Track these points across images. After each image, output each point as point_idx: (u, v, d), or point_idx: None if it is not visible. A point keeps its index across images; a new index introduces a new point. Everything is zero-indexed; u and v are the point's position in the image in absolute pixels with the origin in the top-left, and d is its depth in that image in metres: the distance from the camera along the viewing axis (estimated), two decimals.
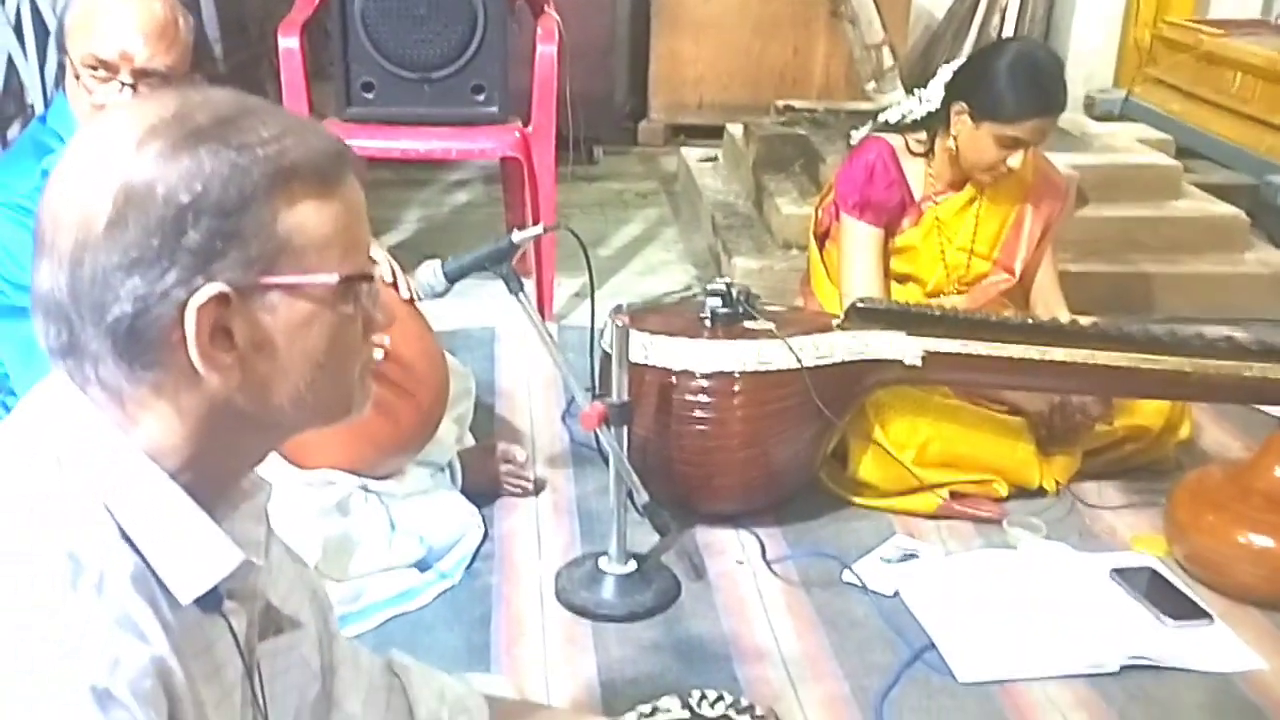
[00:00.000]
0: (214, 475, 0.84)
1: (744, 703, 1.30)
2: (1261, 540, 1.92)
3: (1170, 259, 3.33)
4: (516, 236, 1.84)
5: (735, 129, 4.09)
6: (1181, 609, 1.90)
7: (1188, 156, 3.87)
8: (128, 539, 0.79)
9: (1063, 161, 3.36)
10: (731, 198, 3.86)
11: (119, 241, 0.77)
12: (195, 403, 0.81)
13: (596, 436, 1.99)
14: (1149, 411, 2.31)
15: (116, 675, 0.72)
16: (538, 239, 2.99)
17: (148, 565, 0.79)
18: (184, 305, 0.77)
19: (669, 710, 1.27)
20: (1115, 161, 3.50)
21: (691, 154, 4.35)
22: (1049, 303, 2.47)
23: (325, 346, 0.83)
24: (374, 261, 0.87)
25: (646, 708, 1.28)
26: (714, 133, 4.42)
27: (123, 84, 1.67)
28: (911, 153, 2.40)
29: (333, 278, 0.81)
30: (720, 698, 1.30)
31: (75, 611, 0.74)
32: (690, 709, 1.28)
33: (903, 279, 2.43)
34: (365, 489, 1.92)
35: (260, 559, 0.89)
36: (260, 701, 0.92)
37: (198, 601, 0.82)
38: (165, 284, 0.77)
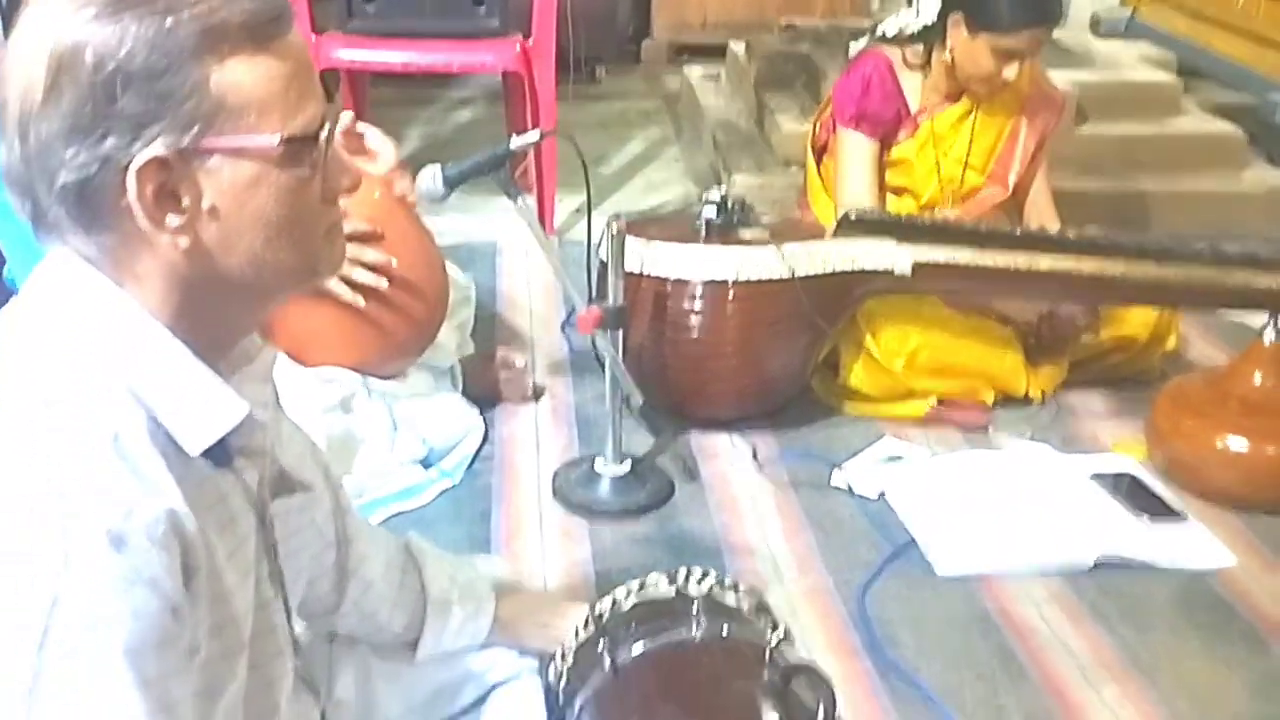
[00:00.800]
0: (208, 335, 0.88)
1: (728, 581, 1.36)
2: (1238, 444, 1.98)
3: (1169, 177, 3.34)
4: (515, 142, 1.88)
5: (738, 47, 4.08)
6: (1157, 509, 1.96)
7: (1191, 75, 3.86)
8: (137, 397, 0.83)
9: (1064, 79, 3.37)
10: (733, 116, 3.87)
11: (57, 109, 0.79)
12: (157, 265, 0.84)
13: (594, 341, 2.04)
14: (1135, 323, 2.36)
15: (130, 521, 0.78)
16: (539, 155, 3.04)
17: (157, 421, 0.84)
18: (125, 170, 0.80)
19: (656, 585, 1.33)
20: (1116, 79, 3.50)
21: (694, 72, 4.34)
22: (1043, 217, 2.49)
23: (276, 209, 0.84)
24: (329, 122, 0.87)
25: (635, 583, 1.34)
26: (717, 52, 4.41)
27: None
28: (908, 65, 2.41)
29: (274, 139, 0.82)
30: (706, 574, 1.35)
31: (91, 465, 0.79)
32: (676, 585, 1.34)
33: (898, 191, 2.46)
34: (368, 388, 1.97)
35: (265, 416, 0.94)
36: (274, 554, 0.98)
37: (209, 455, 0.87)
38: (104, 150, 0.79)
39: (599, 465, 2.02)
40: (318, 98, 0.87)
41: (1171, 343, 2.44)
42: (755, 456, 2.12)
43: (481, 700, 1.30)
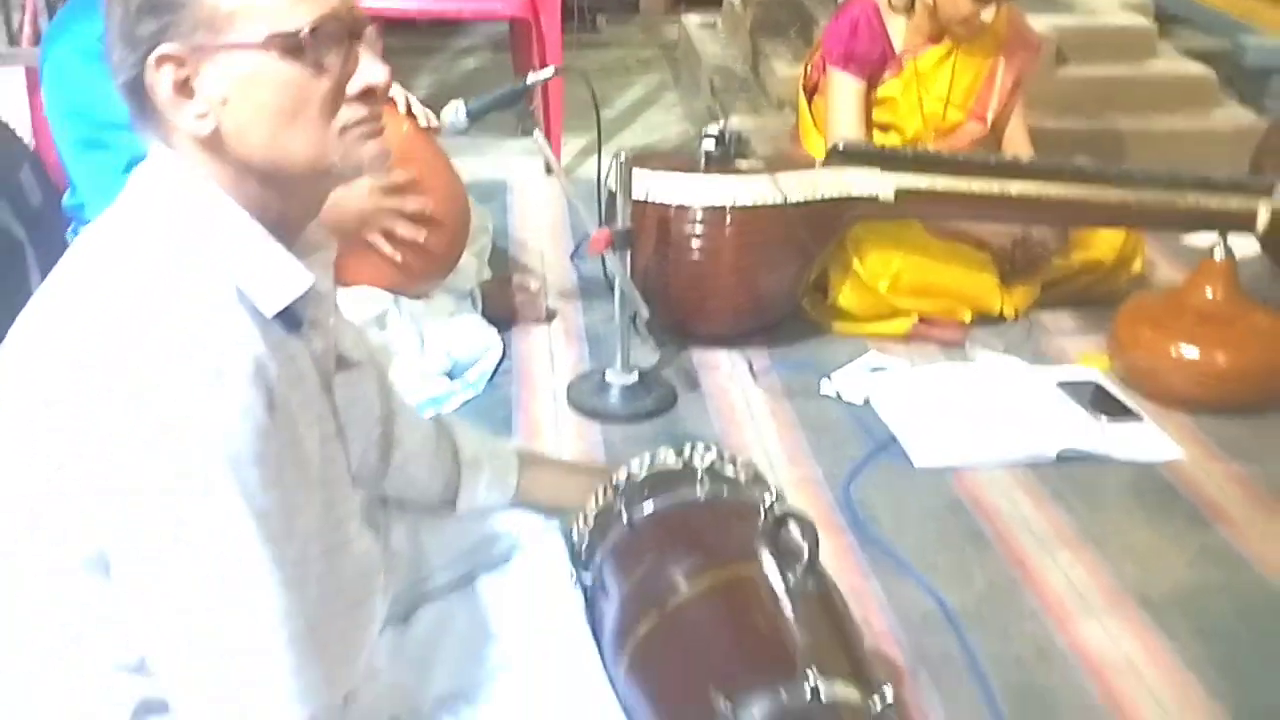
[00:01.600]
0: (272, 217, 1.03)
1: (728, 455, 1.55)
2: (1190, 351, 2.18)
3: (1143, 116, 3.52)
4: (530, 78, 2.06)
5: None
6: (1115, 410, 2.16)
7: (1169, 20, 4.02)
8: (224, 266, 1.00)
9: (1044, 23, 3.55)
10: (729, 62, 4.04)
11: (112, 21, 0.99)
12: (200, 154, 1.00)
13: (604, 262, 2.23)
14: (1102, 247, 2.55)
15: (226, 361, 0.95)
16: (546, 97, 3.21)
17: (241, 287, 1.01)
18: (149, 67, 0.97)
19: (665, 458, 1.53)
20: (1094, 23, 3.67)
21: (692, 20, 4.50)
22: (1019, 151, 2.68)
23: (276, 100, 0.98)
24: (338, 27, 0.99)
25: (646, 456, 1.53)
26: (714, 1, 4.57)
27: None
28: (893, 9, 2.58)
29: (259, 37, 0.96)
30: (709, 449, 1.55)
31: (193, 319, 0.96)
32: (683, 458, 1.53)
33: (884, 128, 2.64)
34: (399, 308, 2.17)
35: (328, 294, 1.12)
36: (336, 414, 1.17)
37: (282, 321, 1.03)
38: (138, 54, 0.97)
39: (609, 376, 2.22)
40: (319, 4, 0.99)
41: (1138, 266, 2.64)
42: (751, 369, 2.32)
43: (512, 553, 1.49)
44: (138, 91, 1.00)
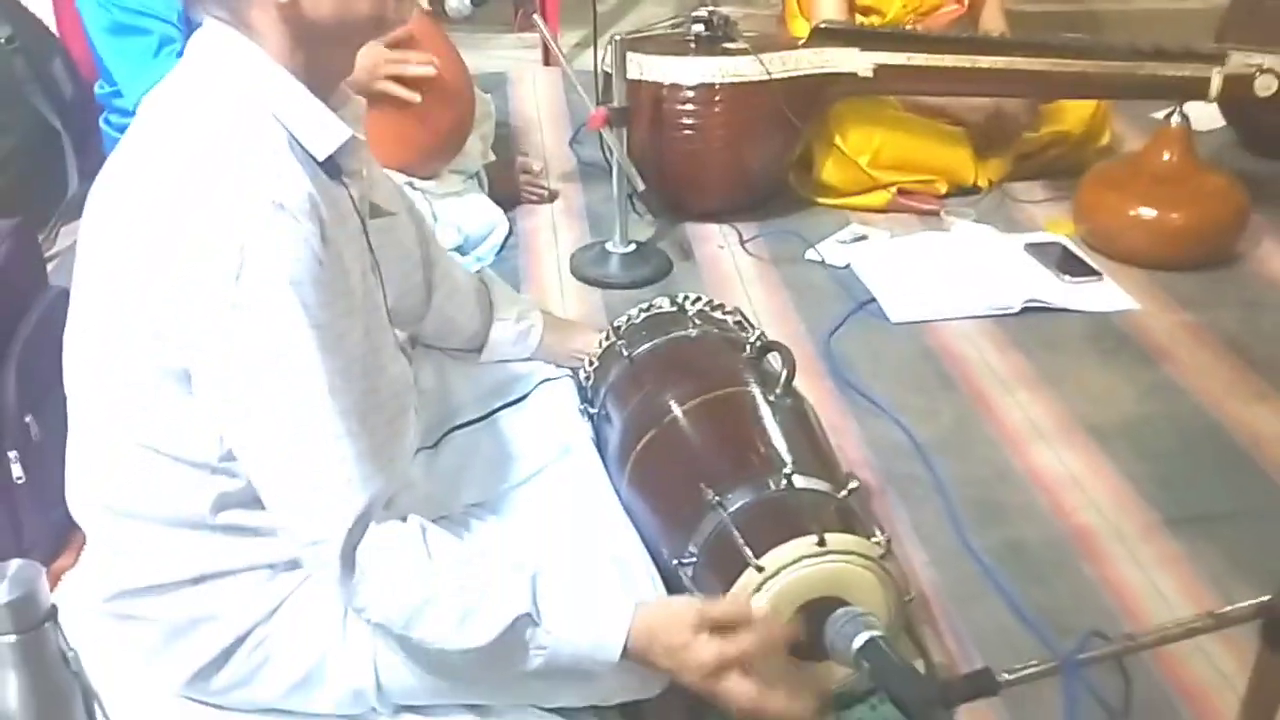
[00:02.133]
0: (316, 77, 1.19)
1: (717, 302, 1.73)
2: (1148, 211, 2.35)
3: None
4: None
5: None
6: (1077, 269, 2.34)
7: None
8: (278, 118, 1.16)
9: None
10: None
11: None
12: (270, 21, 1.15)
13: (601, 141, 2.39)
14: (1070, 119, 2.71)
15: (286, 194, 1.12)
16: None
17: (293, 137, 1.17)
18: None
19: (661, 305, 1.71)
20: None
21: None
22: (995, 29, 2.81)
23: None
24: None
25: (644, 304, 1.71)
26: None
27: None
28: None
29: None
30: (700, 297, 1.73)
31: (256, 159, 1.13)
32: (677, 304, 1.71)
33: (865, 11, 2.77)
34: (412, 186, 2.33)
35: (362, 140, 1.28)
36: (372, 251, 1.34)
37: (325, 168, 1.20)
38: None
39: (609, 246, 2.40)
40: None
41: (1105, 139, 2.79)
42: (741, 239, 2.49)
43: (531, 391, 1.68)
44: None
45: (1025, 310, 2.22)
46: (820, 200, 2.64)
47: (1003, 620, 1.52)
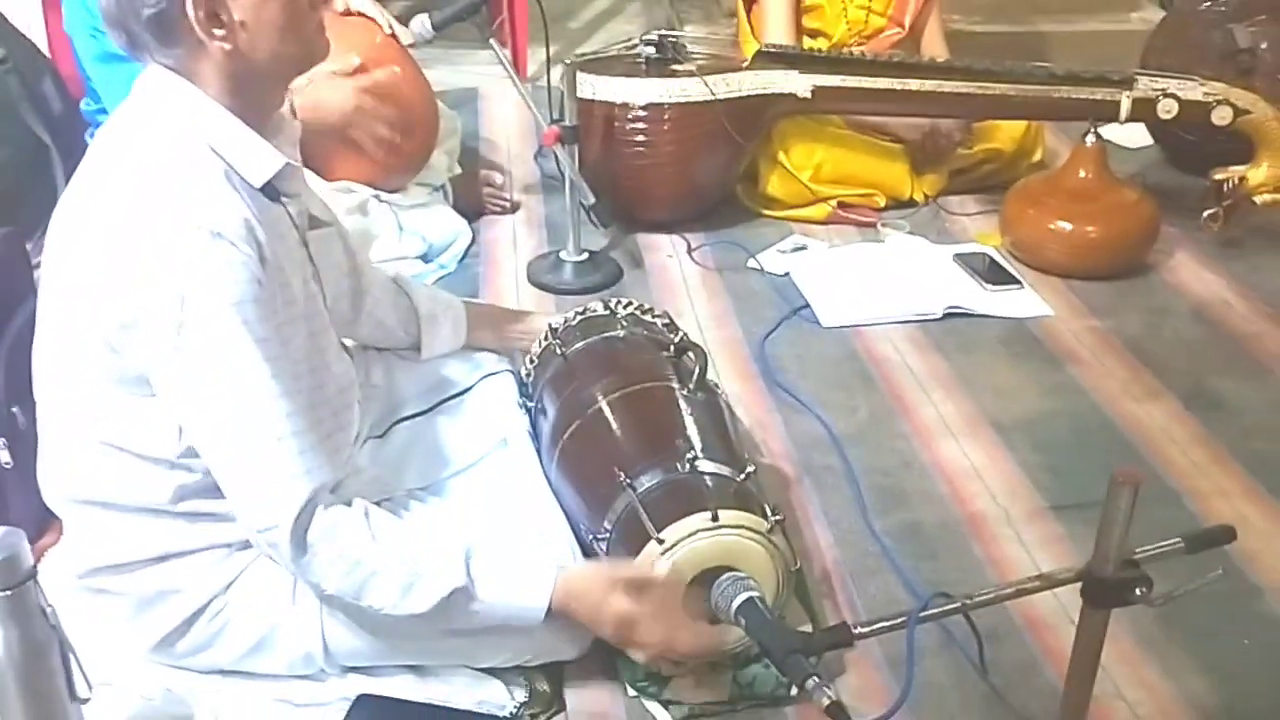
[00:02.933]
0: (254, 110, 1.35)
1: (648, 306, 1.90)
2: (1065, 225, 2.52)
3: (1066, 19, 3.81)
4: None
5: None
6: (999, 278, 2.51)
7: None
8: (215, 151, 1.31)
9: None
10: None
11: None
12: (212, 65, 1.30)
13: (556, 157, 2.55)
14: (1002, 138, 2.88)
15: (224, 223, 1.27)
16: (513, 10, 3.50)
17: (231, 167, 1.32)
18: (183, 2, 1.25)
19: (595, 309, 1.87)
20: None
21: None
22: (936, 53, 2.97)
23: (281, 16, 1.29)
24: None
25: (579, 308, 1.87)
26: None
27: None
28: None
29: None
30: (631, 302, 1.89)
31: (195, 191, 1.28)
32: (610, 307, 1.87)
33: (813, 34, 2.94)
34: (379, 199, 2.49)
35: (298, 167, 1.43)
36: (312, 262, 1.50)
37: (265, 191, 1.35)
38: None
39: (563, 255, 2.56)
40: None
41: (1038, 155, 2.96)
42: (689, 249, 2.66)
43: (473, 386, 1.84)
44: (165, 23, 1.27)
45: (947, 316, 2.39)
46: (765, 212, 2.81)
47: (895, 593, 1.68)
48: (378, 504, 1.44)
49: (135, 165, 1.32)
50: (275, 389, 1.31)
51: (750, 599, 1.31)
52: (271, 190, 1.38)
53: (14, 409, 1.67)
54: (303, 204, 1.49)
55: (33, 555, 1.38)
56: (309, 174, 2.27)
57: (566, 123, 2.46)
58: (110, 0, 1.28)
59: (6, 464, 1.67)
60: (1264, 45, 2.77)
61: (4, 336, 1.67)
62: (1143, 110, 2.47)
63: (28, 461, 1.66)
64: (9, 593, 1.20)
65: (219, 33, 1.29)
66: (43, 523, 1.71)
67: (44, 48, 2.77)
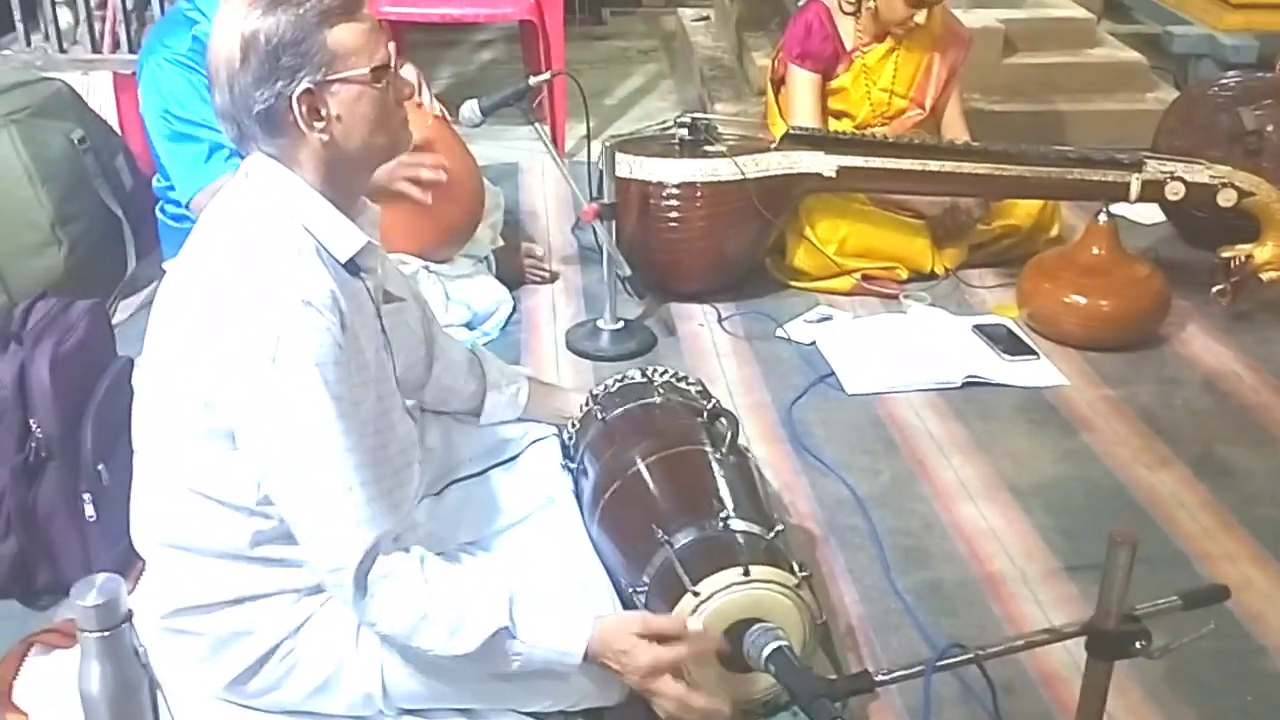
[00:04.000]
0: (343, 194, 1.50)
1: (682, 374, 2.02)
2: (1079, 299, 2.64)
3: (1083, 98, 3.95)
4: (533, 79, 2.53)
5: None
6: (1016, 348, 2.62)
7: (1116, 9, 4.44)
8: (308, 230, 1.47)
9: (993, 16, 4.01)
10: (719, 53, 4.48)
11: (248, 70, 1.42)
12: (312, 153, 1.46)
13: (594, 230, 2.70)
14: (1020, 214, 3.01)
15: (313, 293, 1.41)
16: (552, 90, 3.68)
17: (321, 245, 1.48)
18: (290, 98, 1.41)
19: (632, 376, 2.00)
20: (1040, 15, 4.10)
21: (687, 13, 4.94)
22: (956, 133, 3.12)
23: (372, 111, 1.44)
24: (393, 60, 1.46)
25: (618, 375, 2.00)
26: None
27: None
28: (844, 12, 3.03)
29: (365, 70, 1.43)
30: (667, 370, 2.02)
31: (288, 264, 1.43)
32: (646, 375, 2.00)
33: (837, 115, 3.10)
34: (427, 269, 2.65)
35: (377, 243, 1.58)
36: (385, 334, 1.64)
37: (347, 267, 1.51)
38: (277, 88, 1.41)
39: (600, 323, 2.70)
40: (385, 41, 1.49)
41: (1055, 231, 3.09)
42: (719, 318, 2.79)
43: (522, 451, 1.97)
44: (273, 117, 1.43)
45: (967, 384, 2.50)
46: (792, 284, 2.94)
47: (916, 647, 1.79)
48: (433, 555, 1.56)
49: (236, 240, 1.47)
50: (346, 443, 1.44)
51: (780, 648, 1.42)
52: (353, 266, 1.53)
53: (99, 467, 1.80)
54: (380, 279, 1.64)
55: None
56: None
57: (605, 200, 2.61)
58: (226, 98, 1.44)
59: (91, 518, 1.81)
60: (1270, 128, 2.90)
61: (93, 398, 1.82)
62: (1152, 191, 2.60)
63: (110, 515, 1.81)
64: (107, 634, 1.32)
65: (318, 125, 1.44)
66: (122, 571, 1.83)
67: (116, 126, 2.95)
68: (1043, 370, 2.57)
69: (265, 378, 1.40)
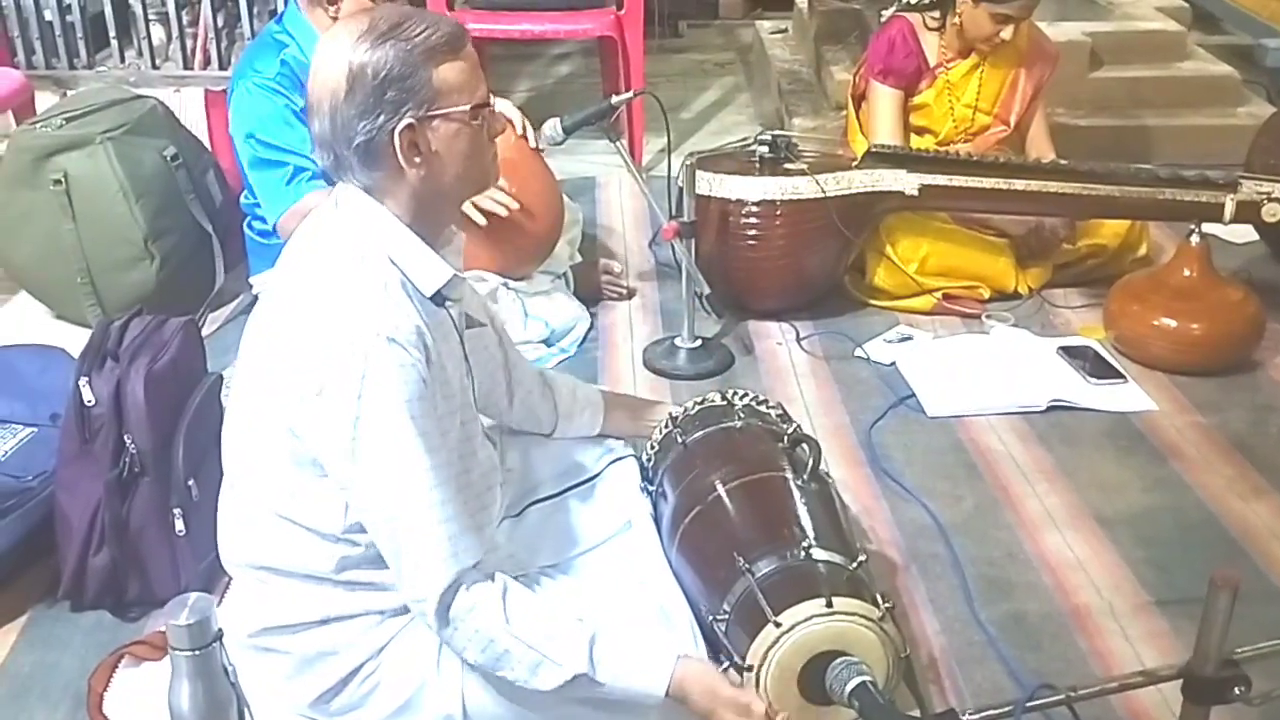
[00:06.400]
0: (430, 227, 1.52)
1: (762, 397, 2.01)
2: (1169, 322, 2.58)
3: (1171, 113, 3.86)
4: (615, 99, 2.54)
5: (802, 3, 4.66)
6: (1103, 372, 2.57)
7: (1207, 21, 4.33)
8: (394, 263, 1.48)
9: (1080, 29, 3.93)
10: (796, 66, 4.46)
11: (352, 101, 1.43)
12: (404, 187, 1.47)
13: (673, 248, 2.70)
14: (1107, 234, 2.95)
15: (398, 329, 1.43)
16: (629, 104, 3.68)
17: (407, 278, 1.49)
18: (391, 132, 1.43)
19: (712, 399, 1.99)
20: (1128, 28, 4.01)
21: (764, 26, 4.93)
22: (1040, 150, 3.07)
23: (468, 147, 1.46)
24: (490, 98, 1.49)
25: (698, 398, 1.99)
26: (788, 5, 4.97)
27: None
28: (928, 28, 3.00)
29: (466, 107, 1.44)
30: (747, 393, 2.01)
31: (374, 299, 1.44)
32: (726, 398, 1.99)
33: (920, 131, 3.06)
34: (506, 286, 2.66)
35: (462, 274, 1.59)
36: (467, 359, 1.65)
37: (433, 299, 1.52)
38: (379, 122, 1.43)
39: (678, 342, 2.70)
40: (484, 80, 1.50)
41: (1143, 250, 3.02)
42: (798, 337, 2.77)
43: (600, 473, 1.97)
44: (372, 149, 1.44)
45: (1051, 408, 2.46)
46: (872, 302, 2.91)
47: (1000, 682, 1.75)
48: (514, 579, 1.57)
49: (324, 273, 1.49)
50: (434, 479, 1.45)
51: (863, 683, 1.40)
52: (439, 297, 1.54)
53: (189, 482, 1.84)
54: (463, 307, 1.65)
55: None
56: None
57: (684, 218, 2.60)
58: (326, 127, 1.45)
59: (180, 532, 1.85)
60: None
61: (185, 414, 1.86)
62: (1247, 213, 2.53)
63: (199, 531, 1.85)
64: (198, 652, 1.35)
65: (417, 160, 1.46)
66: (209, 585, 1.87)
67: (206, 142, 3.02)
68: (1130, 395, 2.51)
69: (352, 415, 1.42)
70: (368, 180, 1.48)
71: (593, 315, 2.87)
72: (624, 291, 2.99)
